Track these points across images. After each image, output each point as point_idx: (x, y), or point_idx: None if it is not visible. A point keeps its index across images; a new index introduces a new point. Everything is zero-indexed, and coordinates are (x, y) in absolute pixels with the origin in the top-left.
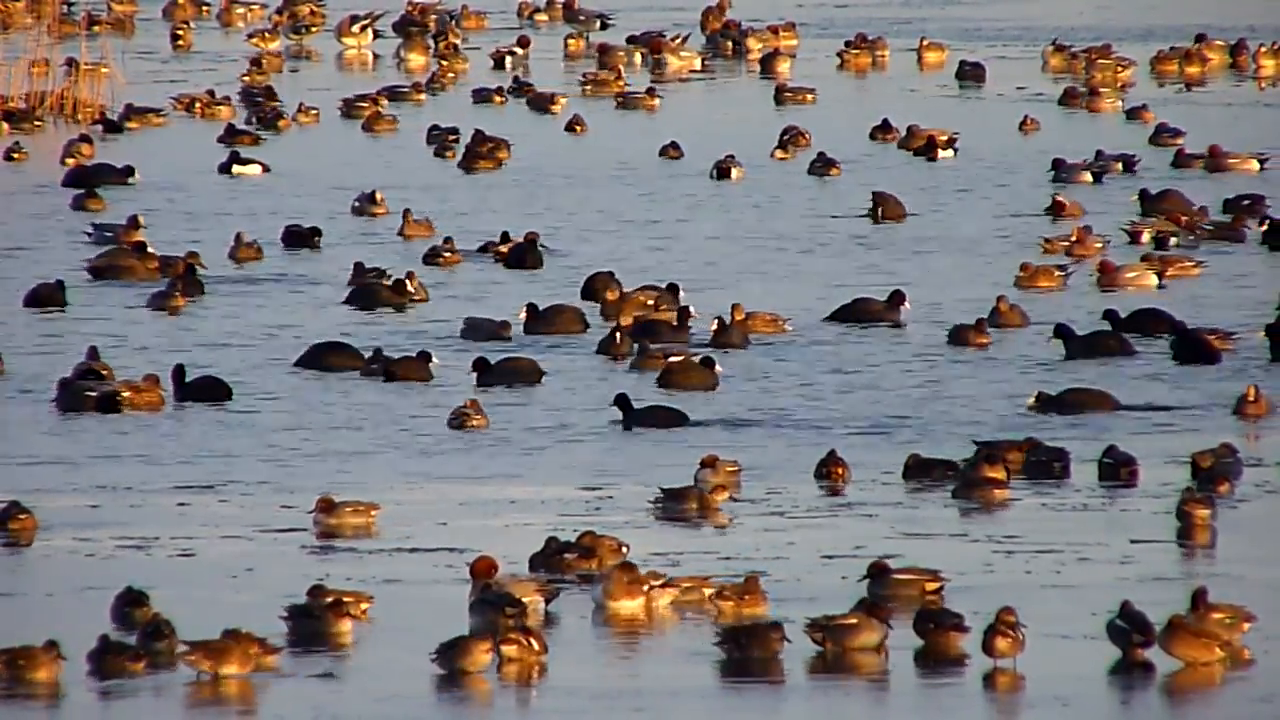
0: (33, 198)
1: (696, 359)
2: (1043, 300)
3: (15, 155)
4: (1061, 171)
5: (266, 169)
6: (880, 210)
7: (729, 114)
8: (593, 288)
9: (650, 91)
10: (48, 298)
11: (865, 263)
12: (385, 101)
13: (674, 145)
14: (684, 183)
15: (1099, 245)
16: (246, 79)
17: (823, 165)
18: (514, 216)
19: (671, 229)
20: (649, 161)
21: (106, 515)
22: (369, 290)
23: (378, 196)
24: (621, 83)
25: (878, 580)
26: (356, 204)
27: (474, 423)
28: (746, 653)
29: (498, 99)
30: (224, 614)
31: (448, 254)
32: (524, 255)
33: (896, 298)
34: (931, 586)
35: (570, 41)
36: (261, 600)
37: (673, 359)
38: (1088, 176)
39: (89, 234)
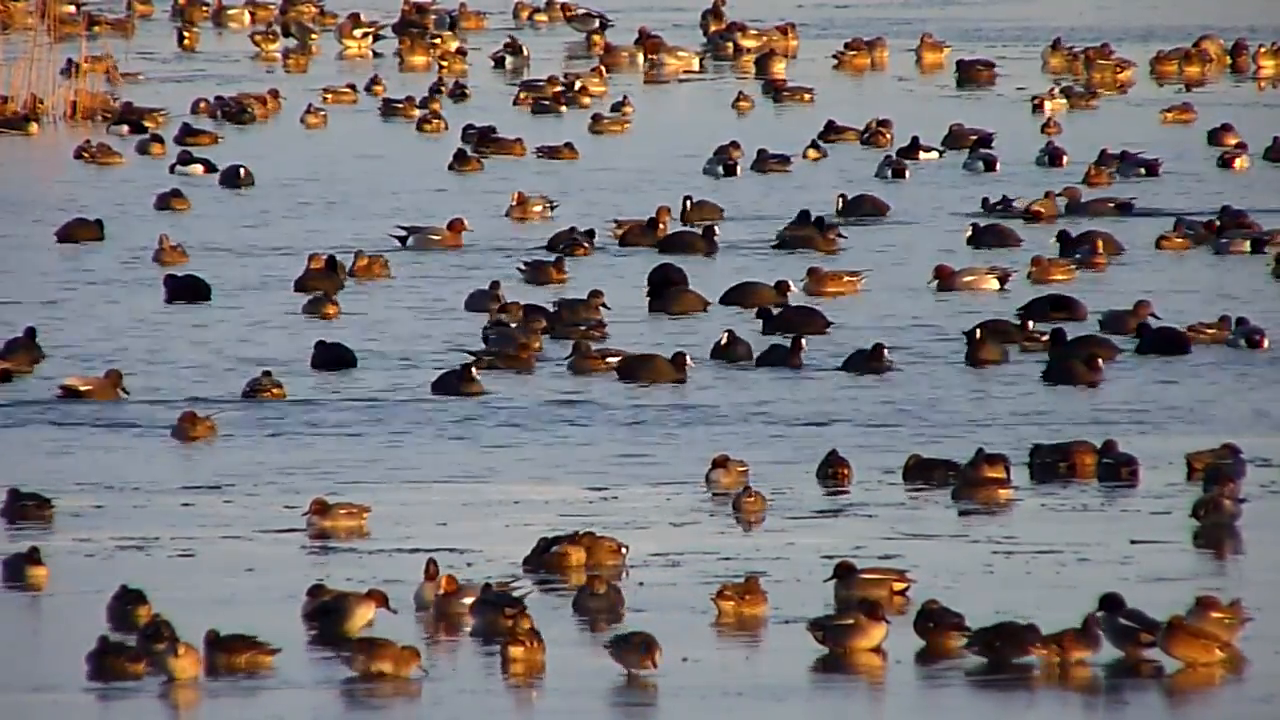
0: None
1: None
2: (832, 303)
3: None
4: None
5: (210, 168)
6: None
7: (728, 114)
8: (661, 277)
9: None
10: (192, 291)
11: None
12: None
13: (734, 144)
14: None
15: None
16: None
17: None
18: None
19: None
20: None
21: (107, 515)
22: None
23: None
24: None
25: (844, 580)
26: (513, 203)
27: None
28: (1000, 655)
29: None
30: (224, 614)
31: (586, 244)
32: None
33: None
34: (899, 586)
35: (595, 38)
36: (261, 600)
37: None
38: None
39: (400, 237)
